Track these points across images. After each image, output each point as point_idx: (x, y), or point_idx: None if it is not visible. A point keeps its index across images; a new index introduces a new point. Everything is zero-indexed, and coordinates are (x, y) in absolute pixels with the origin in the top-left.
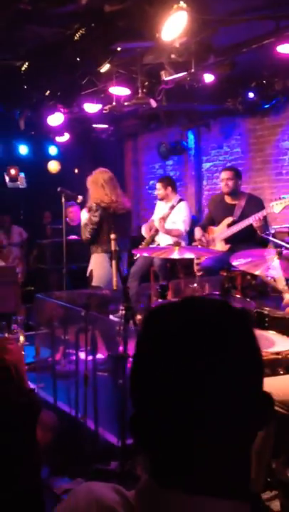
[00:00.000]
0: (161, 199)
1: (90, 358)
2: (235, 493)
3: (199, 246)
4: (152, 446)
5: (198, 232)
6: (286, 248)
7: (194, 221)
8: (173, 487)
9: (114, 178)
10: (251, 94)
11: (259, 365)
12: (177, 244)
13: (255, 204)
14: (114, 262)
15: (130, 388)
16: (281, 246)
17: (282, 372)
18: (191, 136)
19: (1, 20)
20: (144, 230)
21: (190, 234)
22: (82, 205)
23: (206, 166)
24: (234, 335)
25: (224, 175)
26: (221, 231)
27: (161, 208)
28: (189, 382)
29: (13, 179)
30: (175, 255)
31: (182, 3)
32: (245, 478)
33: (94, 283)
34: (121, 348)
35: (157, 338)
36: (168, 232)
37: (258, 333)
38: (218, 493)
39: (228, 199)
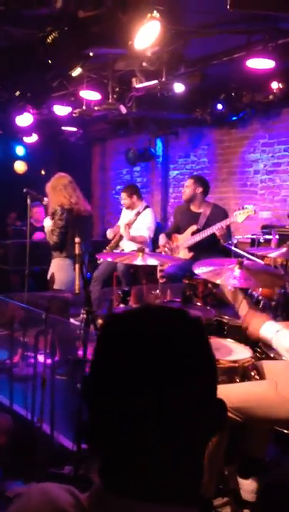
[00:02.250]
0: (128, 208)
1: (48, 361)
2: (184, 498)
3: (163, 253)
4: (103, 451)
5: (162, 239)
6: (247, 258)
7: (159, 228)
8: (122, 492)
9: (73, 182)
10: (220, 106)
11: (212, 372)
12: (141, 250)
13: (220, 214)
14: (77, 266)
15: (85, 393)
16: (242, 256)
17: (238, 380)
18: (159, 144)
19: None
20: (109, 233)
21: (154, 241)
22: (46, 207)
23: (172, 173)
24: (189, 343)
25: (185, 182)
26: (185, 239)
27: (126, 214)
28: (142, 389)
29: None
30: (139, 261)
31: (155, 13)
32: (195, 484)
33: (56, 286)
34: (80, 352)
35: (113, 346)
36: (132, 239)
37: (217, 341)
38: (167, 498)
39: (193, 207)
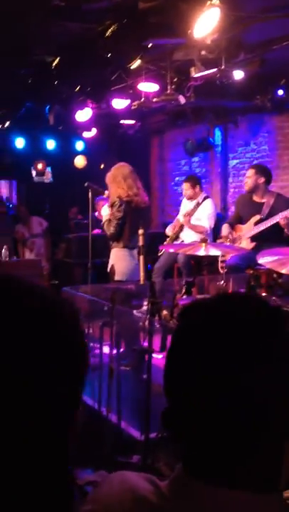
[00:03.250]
0: (190, 198)
1: (113, 352)
2: (269, 487)
3: (225, 243)
4: (186, 438)
5: (225, 229)
6: None
7: (219, 218)
8: (205, 479)
9: (134, 171)
10: (280, 92)
11: None
12: (204, 240)
13: (284, 203)
14: (141, 257)
15: (165, 381)
16: None
17: None
18: (217, 133)
19: (35, 17)
20: (168, 229)
21: (215, 231)
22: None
23: (232, 163)
24: (272, 332)
25: (247, 173)
26: (248, 229)
27: (186, 205)
28: (227, 376)
29: (40, 173)
30: (201, 252)
31: (215, 0)
32: (278, 473)
33: (116, 278)
34: (145, 343)
35: (196, 333)
36: (193, 227)
37: None
38: (253, 487)
39: (256, 197)
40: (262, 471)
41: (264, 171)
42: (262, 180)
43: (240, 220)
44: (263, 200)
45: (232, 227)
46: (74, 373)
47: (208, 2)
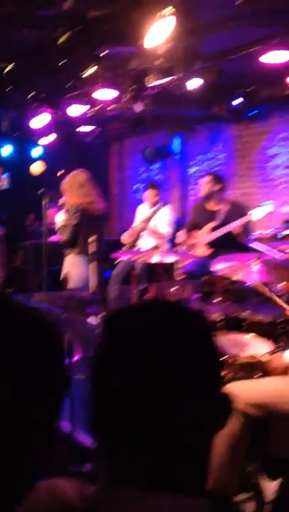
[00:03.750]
0: (152, 204)
1: (66, 360)
2: (191, 490)
3: (182, 250)
4: (110, 444)
5: (181, 235)
6: (266, 254)
7: (178, 225)
8: (130, 483)
9: (91, 179)
10: (237, 101)
11: (216, 366)
12: (157, 247)
13: (239, 211)
14: (92, 264)
15: (90, 387)
16: (262, 251)
17: (258, 376)
18: (176, 141)
19: None
20: (124, 237)
21: (173, 238)
22: (62, 207)
23: (191, 170)
24: (187, 336)
25: (203, 179)
26: (203, 236)
27: (143, 212)
28: (143, 382)
29: None
30: (155, 259)
31: (169, 10)
32: (202, 476)
33: (71, 285)
34: None
35: (114, 340)
36: (153, 233)
37: (236, 336)
38: (174, 489)
39: (211, 205)
40: (184, 474)
41: (220, 179)
42: (217, 187)
43: (197, 226)
44: (218, 208)
45: (188, 233)
46: (53, 391)
47: (163, 11)
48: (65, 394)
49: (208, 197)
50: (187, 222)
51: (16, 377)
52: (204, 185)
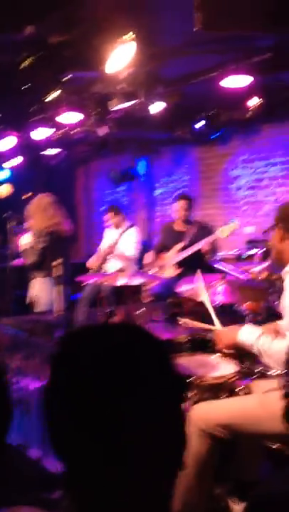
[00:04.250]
0: (116, 227)
1: (36, 384)
2: None
3: (149, 272)
4: (67, 465)
5: (148, 257)
6: (231, 274)
7: (145, 247)
8: (88, 508)
9: (56, 201)
10: (200, 124)
11: (175, 391)
12: (122, 270)
13: (205, 231)
14: (58, 288)
15: (44, 411)
16: (226, 272)
17: (224, 397)
18: (142, 163)
19: None
20: (90, 262)
21: (140, 259)
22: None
23: (157, 192)
24: (141, 357)
25: (180, 204)
26: (172, 257)
27: (110, 235)
28: (96, 404)
29: None
30: (120, 281)
31: (130, 36)
32: (164, 502)
33: (39, 308)
34: None
35: (67, 364)
36: (120, 256)
37: (202, 357)
38: None
39: (178, 226)
40: (145, 500)
41: (192, 200)
42: (189, 210)
43: (164, 248)
44: (185, 229)
45: (156, 255)
46: None
47: (123, 37)
48: (8, 419)
49: (181, 219)
50: (155, 244)
51: None
52: (184, 212)
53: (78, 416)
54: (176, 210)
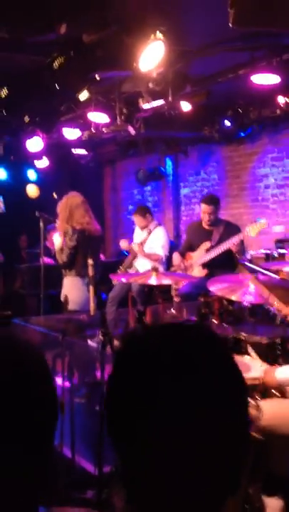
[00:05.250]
0: (144, 227)
1: (66, 384)
2: None
3: (177, 271)
4: (127, 472)
5: (176, 257)
6: (261, 273)
7: (172, 246)
8: (144, 509)
9: (86, 202)
10: (227, 123)
11: (238, 388)
12: (155, 269)
13: (233, 230)
14: (91, 287)
15: (106, 410)
16: (257, 271)
17: (258, 398)
18: (169, 163)
19: None
20: (122, 243)
21: (168, 259)
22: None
23: (183, 191)
24: (207, 359)
25: (206, 208)
26: (199, 256)
27: (139, 233)
28: (162, 408)
29: None
30: (152, 281)
31: (159, 34)
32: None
33: (70, 307)
34: (98, 374)
35: (130, 364)
36: (147, 256)
37: (235, 358)
38: None
39: (206, 225)
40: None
41: (219, 203)
42: (219, 211)
43: (191, 247)
44: (213, 228)
45: (183, 255)
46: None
47: (152, 36)
48: (55, 416)
49: (207, 224)
50: (182, 243)
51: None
52: (209, 216)
53: (142, 417)
54: (202, 212)
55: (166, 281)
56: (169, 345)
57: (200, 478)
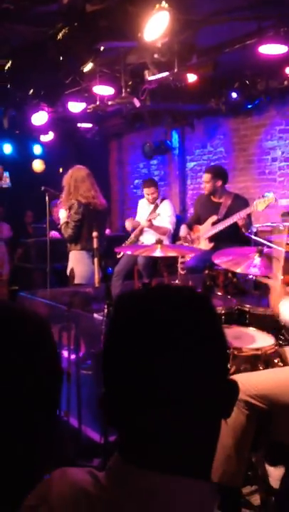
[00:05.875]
0: (154, 200)
1: (73, 356)
2: (198, 473)
3: (184, 244)
4: (120, 425)
5: (183, 230)
6: (267, 246)
7: (178, 220)
8: (139, 464)
9: (91, 175)
10: (234, 95)
11: (221, 350)
12: (159, 242)
13: (241, 203)
14: (96, 260)
15: (102, 368)
16: (263, 244)
17: (261, 368)
18: (175, 136)
19: None
20: (128, 224)
21: (174, 233)
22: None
23: (190, 165)
24: (196, 318)
25: (203, 177)
26: (206, 229)
27: (144, 207)
28: (151, 364)
29: None
30: (157, 253)
31: (164, 3)
32: (207, 461)
33: (76, 281)
34: None
35: (123, 323)
36: (156, 229)
37: (239, 329)
38: (183, 471)
39: (213, 198)
40: (191, 457)
41: (220, 174)
42: (219, 183)
43: (199, 220)
44: (221, 201)
45: (190, 227)
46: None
47: (157, 5)
48: (59, 385)
49: (213, 193)
50: (190, 216)
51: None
52: (206, 184)
53: (134, 372)
54: (203, 183)
55: (170, 253)
56: (158, 305)
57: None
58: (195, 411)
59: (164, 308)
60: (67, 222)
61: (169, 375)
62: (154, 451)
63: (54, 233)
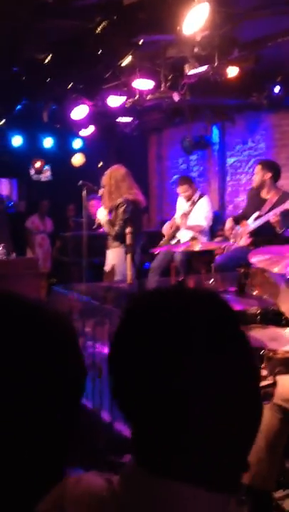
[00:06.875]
0: (188, 197)
1: (106, 350)
2: (218, 485)
3: (231, 239)
4: (136, 429)
5: (228, 223)
6: None
7: (217, 217)
8: (154, 472)
9: (129, 173)
10: (277, 89)
11: (241, 355)
12: (194, 239)
13: (285, 200)
14: (128, 256)
15: (109, 367)
16: None
17: None
18: (215, 131)
19: (24, 14)
20: (165, 228)
21: (212, 229)
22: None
23: (230, 161)
24: (210, 322)
25: (254, 169)
26: (248, 225)
27: (182, 204)
28: (166, 369)
29: (38, 172)
30: (192, 249)
31: None
32: (232, 473)
33: (118, 278)
34: None
35: (133, 323)
36: (190, 228)
37: (274, 330)
38: (200, 482)
39: (263, 193)
40: (213, 468)
41: (271, 167)
42: (268, 175)
43: (246, 215)
44: (268, 197)
45: (237, 221)
46: (71, 381)
47: None
48: (83, 381)
49: (260, 186)
50: (242, 210)
51: (27, 369)
52: (256, 175)
53: (145, 377)
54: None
55: (207, 250)
56: (169, 303)
57: (204, 443)
58: (217, 415)
59: (178, 309)
60: (110, 222)
61: (187, 380)
62: (170, 458)
63: (94, 229)
